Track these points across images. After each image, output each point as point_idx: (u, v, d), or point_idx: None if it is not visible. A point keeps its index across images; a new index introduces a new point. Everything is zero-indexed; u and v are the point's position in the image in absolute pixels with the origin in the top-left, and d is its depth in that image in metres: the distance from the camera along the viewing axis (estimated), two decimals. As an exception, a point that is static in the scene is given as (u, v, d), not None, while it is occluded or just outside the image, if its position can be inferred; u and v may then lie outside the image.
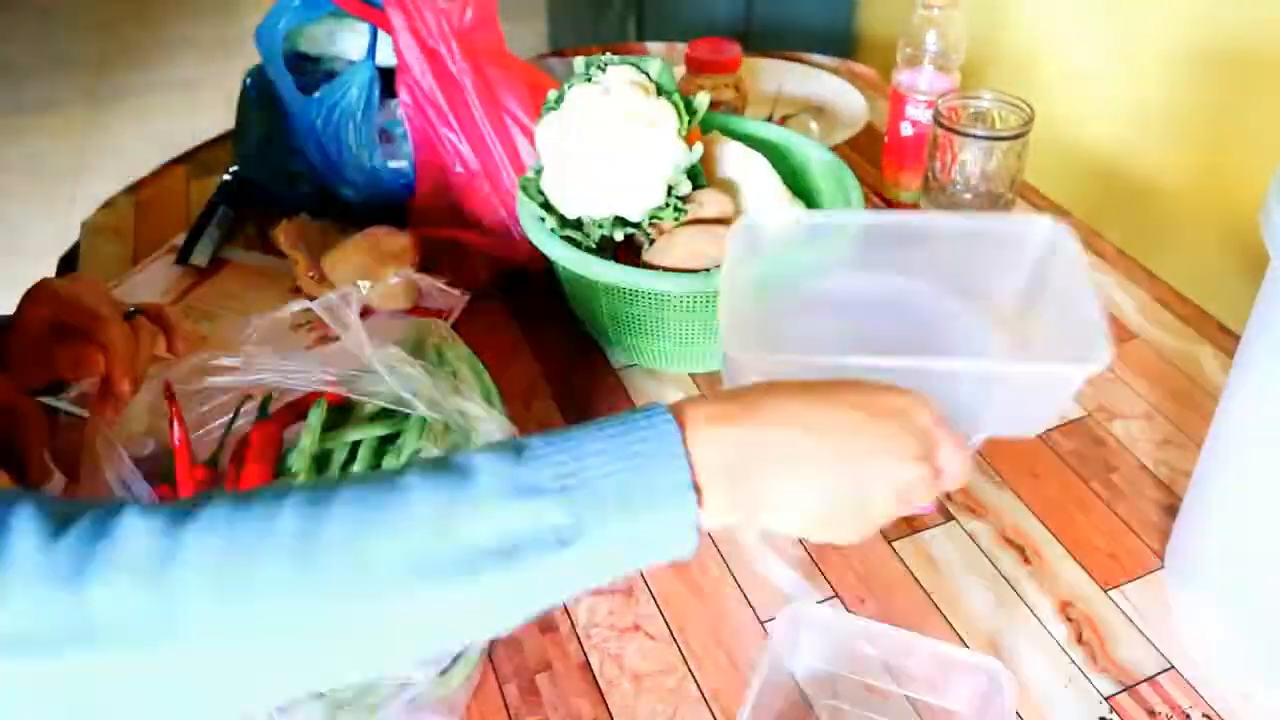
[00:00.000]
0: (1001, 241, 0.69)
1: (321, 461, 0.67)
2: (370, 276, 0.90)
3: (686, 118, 0.79)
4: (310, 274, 0.92)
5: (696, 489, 0.45)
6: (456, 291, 0.91)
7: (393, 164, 0.95)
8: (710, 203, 0.81)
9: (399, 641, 0.44)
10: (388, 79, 0.94)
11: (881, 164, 1.11)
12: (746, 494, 0.47)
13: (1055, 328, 0.67)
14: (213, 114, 2.48)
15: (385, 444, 0.69)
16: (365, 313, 0.92)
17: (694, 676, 0.64)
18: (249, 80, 1.01)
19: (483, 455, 0.44)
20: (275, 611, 0.41)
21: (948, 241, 0.71)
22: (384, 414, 0.68)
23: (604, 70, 0.80)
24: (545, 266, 0.90)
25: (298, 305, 0.71)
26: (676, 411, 0.46)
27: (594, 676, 0.64)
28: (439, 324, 0.74)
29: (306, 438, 0.66)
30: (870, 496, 0.49)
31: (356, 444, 0.68)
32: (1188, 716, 0.61)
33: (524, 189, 0.82)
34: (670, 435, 0.45)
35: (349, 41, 1.00)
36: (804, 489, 0.48)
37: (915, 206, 1.07)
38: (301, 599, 0.41)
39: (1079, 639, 0.66)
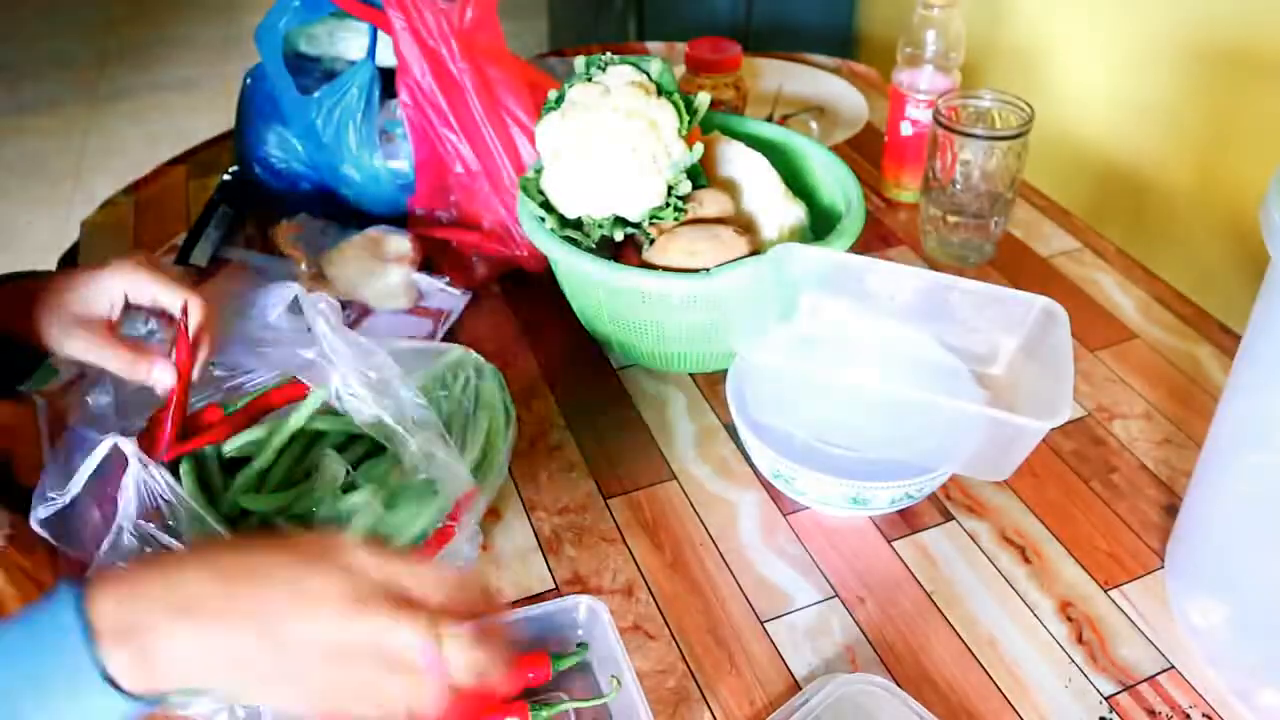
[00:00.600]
0: (1004, 310, 0.74)
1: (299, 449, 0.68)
2: (372, 275, 0.90)
3: (687, 118, 0.79)
4: (310, 272, 0.92)
5: (102, 659, 0.43)
6: (456, 291, 0.91)
7: (393, 164, 0.95)
8: (710, 202, 0.81)
9: None
10: (388, 79, 0.94)
11: (881, 164, 1.11)
12: (150, 654, 0.44)
13: (1031, 391, 0.71)
14: (213, 114, 2.47)
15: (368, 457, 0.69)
16: (364, 312, 0.93)
17: (694, 676, 0.64)
18: (249, 80, 1.01)
19: None
20: None
21: (956, 301, 0.75)
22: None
23: (604, 70, 0.80)
24: (545, 266, 0.90)
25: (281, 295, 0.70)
26: (87, 584, 0.44)
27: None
28: (476, 357, 0.74)
29: (288, 424, 0.67)
30: (290, 651, 0.44)
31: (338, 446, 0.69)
32: (1188, 716, 0.61)
33: (524, 189, 0.82)
34: (64, 608, 0.43)
35: (349, 41, 1.00)
36: (205, 640, 0.44)
37: (915, 206, 1.07)
38: None
39: (1079, 639, 0.66)
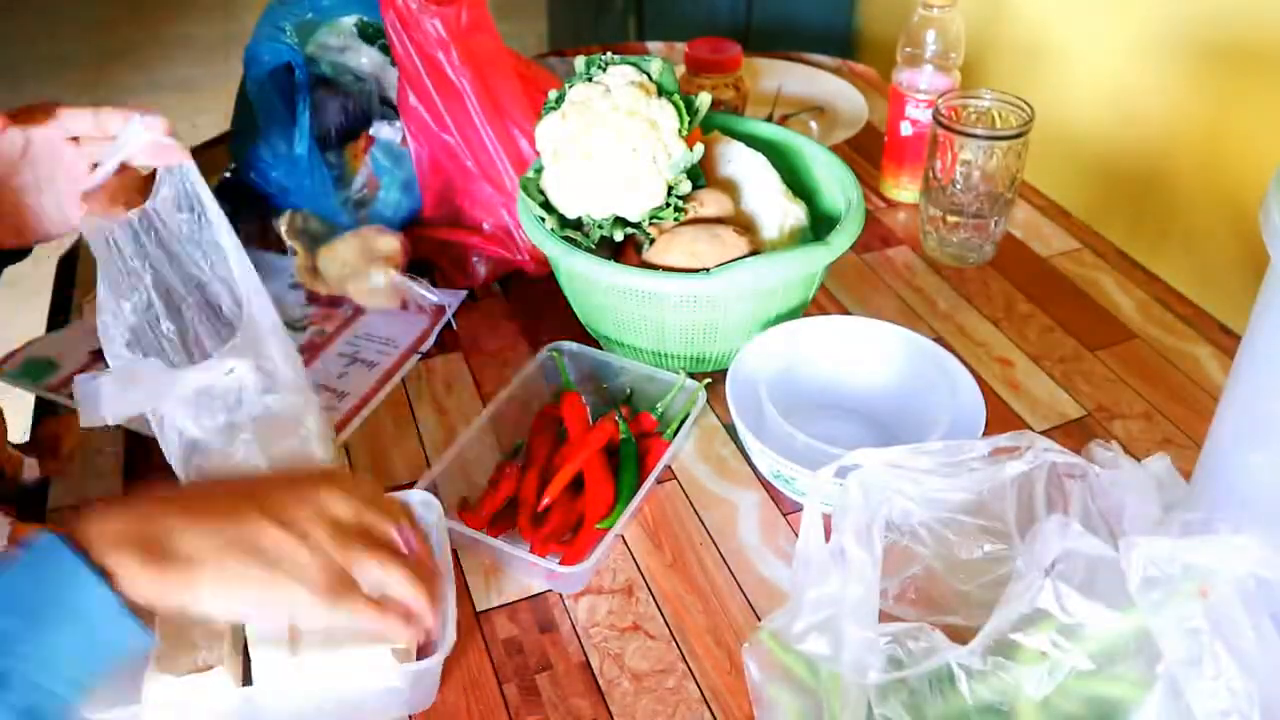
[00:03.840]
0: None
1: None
2: (359, 274, 0.90)
3: (687, 118, 0.79)
4: (307, 265, 0.92)
5: (103, 571, 0.44)
6: (433, 297, 0.91)
7: (389, 198, 0.95)
8: (710, 203, 0.81)
9: None
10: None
11: (881, 164, 1.11)
12: (161, 556, 0.46)
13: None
14: (213, 114, 2.47)
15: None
16: (357, 311, 0.93)
17: (694, 676, 0.64)
18: (243, 85, 1.01)
19: None
20: None
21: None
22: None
23: (605, 70, 0.80)
24: (546, 269, 0.90)
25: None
26: (68, 524, 0.46)
27: (594, 676, 0.64)
28: None
29: None
30: (269, 525, 0.49)
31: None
32: (1188, 716, 0.61)
33: (524, 189, 0.82)
34: (51, 540, 0.45)
35: (357, 52, 1.00)
36: (212, 527, 0.48)
37: (915, 206, 1.07)
38: None
39: (1079, 639, 0.66)
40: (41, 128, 0.65)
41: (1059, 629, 0.48)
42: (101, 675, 0.45)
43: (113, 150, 0.64)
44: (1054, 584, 0.48)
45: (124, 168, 0.65)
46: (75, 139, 0.66)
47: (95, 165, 0.65)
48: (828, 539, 0.54)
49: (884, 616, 0.53)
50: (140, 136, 0.64)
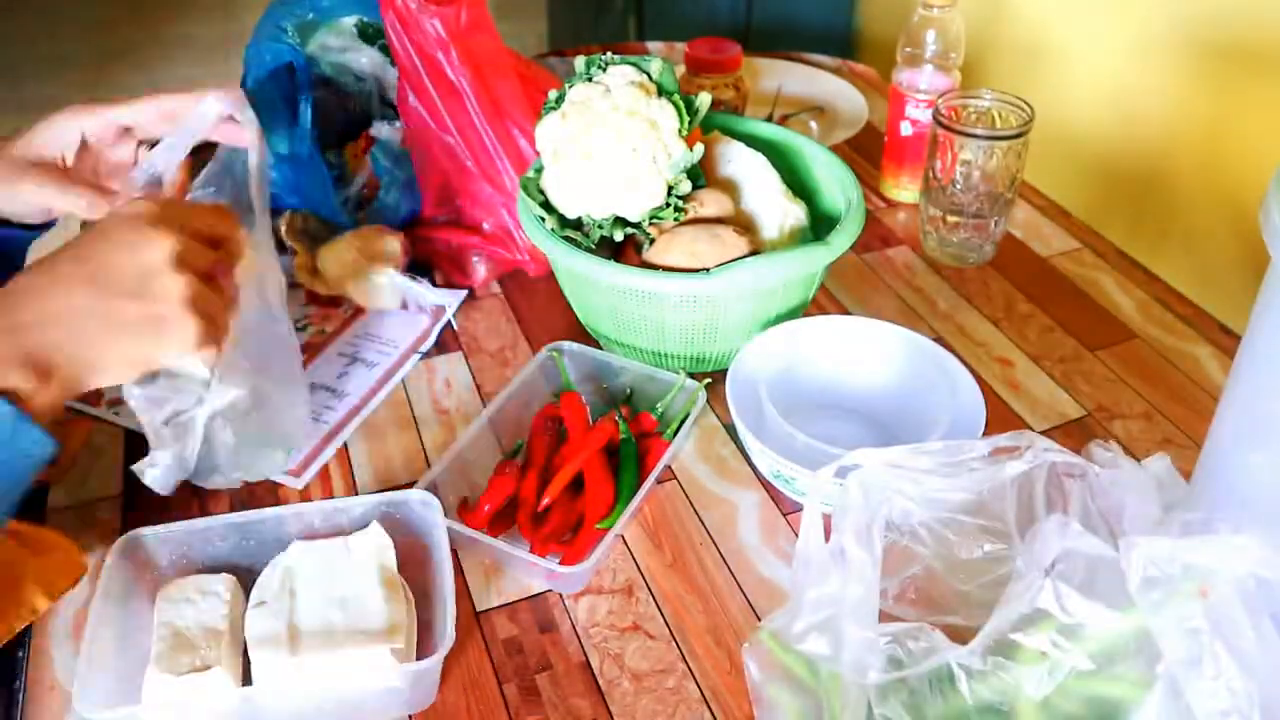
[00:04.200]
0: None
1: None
2: (359, 274, 0.90)
3: (687, 118, 0.79)
4: (307, 265, 0.92)
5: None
6: (433, 297, 0.91)
7: (388, 198, 0.95)
8: (710, 203, 0.81)
9: None
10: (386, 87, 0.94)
11: (881, 164, 1.11)
12: (49, 370, 0.52)
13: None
14: (212, 114, 2.47)
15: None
16: (358, 311, 0.93)
17: (694, 676, 0.64)
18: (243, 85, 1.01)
19: None
20: None
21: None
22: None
23: (605, 70, 0.80)
24: (547, 270, 0.90)
25: None
26: None
27: (594, 676, 0.64)
28: None
29: None
30: (123, 270, 0.55)
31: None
32: (1188, 716, 0.61)
33: (524, 189, 0.82)
34: None
35: (359, 53, 1.00)
36: (64, 299, 0.53)
37: (915, 206, 1.07)
38: None
39: (1079, 639, 0.66)
40: (93, 118, 0.67)
41: (1059, 629, 0.48)
42: (12, 486, 0.52)
43: (183, 134, 0.64)
44: (1054, 584, 0.48)
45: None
46: (128, 129, 0.67)
47: (147, 145, 0.67)
48: (828, 539, 0.54)
49: (884, 616, 0.53)
50: (210, 114, 0.64)
